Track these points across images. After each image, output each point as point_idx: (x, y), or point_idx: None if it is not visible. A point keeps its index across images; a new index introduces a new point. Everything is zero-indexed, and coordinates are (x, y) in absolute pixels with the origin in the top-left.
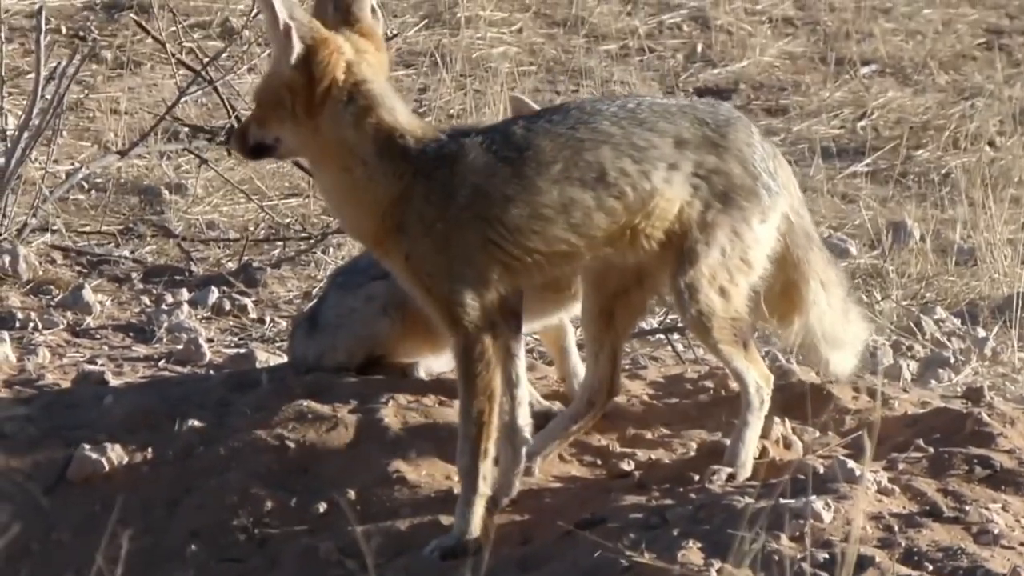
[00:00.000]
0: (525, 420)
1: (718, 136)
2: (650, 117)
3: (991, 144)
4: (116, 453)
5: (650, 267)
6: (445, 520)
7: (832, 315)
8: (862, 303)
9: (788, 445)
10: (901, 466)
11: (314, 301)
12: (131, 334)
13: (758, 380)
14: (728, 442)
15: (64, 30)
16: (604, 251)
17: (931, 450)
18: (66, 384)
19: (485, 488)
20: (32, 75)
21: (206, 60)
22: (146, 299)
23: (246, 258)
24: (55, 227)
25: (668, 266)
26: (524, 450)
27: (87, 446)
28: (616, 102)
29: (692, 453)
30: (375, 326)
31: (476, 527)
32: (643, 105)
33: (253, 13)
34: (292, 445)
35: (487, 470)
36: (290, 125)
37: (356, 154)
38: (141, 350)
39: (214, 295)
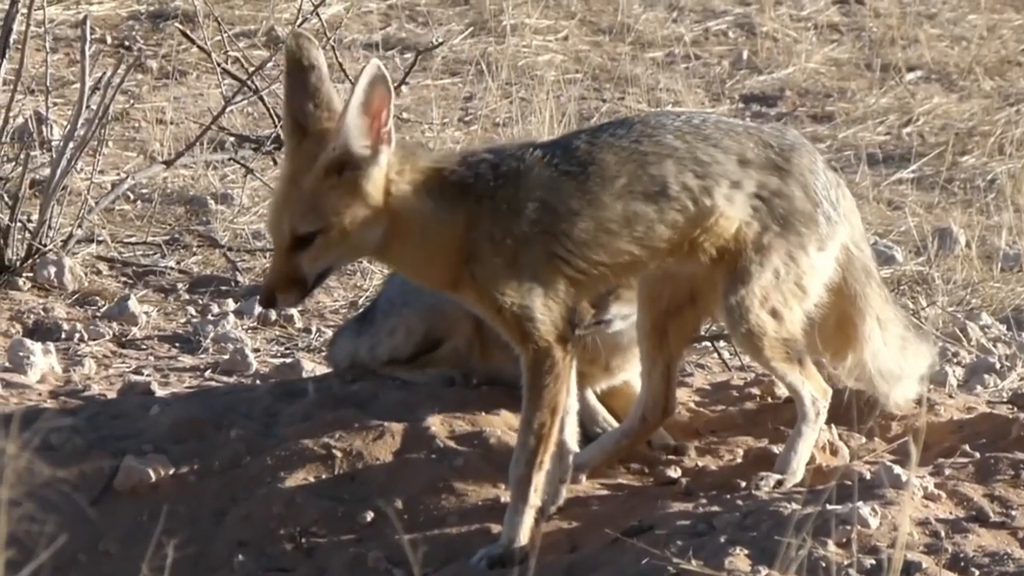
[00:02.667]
0: (572, 430)
1: (782, 159)
2: (714, 134)
3: None
4: (162, 463)
5: (703, 285)
6: (493, 528)
7: (887, 352)
8: (923, 336)
9: (835, 451)
10: (947, 471)
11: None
12: (177, 344)
13: (814, 393)
14: (777, 449)
15: (109, 40)
16: (666, 261)
17: (977, 455)
18: (112, 395)
19: (536, 499)
20: (77, 85)
21: (251, 69)
22: (192, 309)
23: None
24: (101, 238)
25: (720, 284)
26: (571, 459)
27: (133, 456)
28: (680, 117)
29: (739, 460)
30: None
31: (524, 536)
32: (708, 122)
33: (299, 21)
34: (339, 454)
35: (540, 482)
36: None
37: (418, 213)
38: (187, 360)
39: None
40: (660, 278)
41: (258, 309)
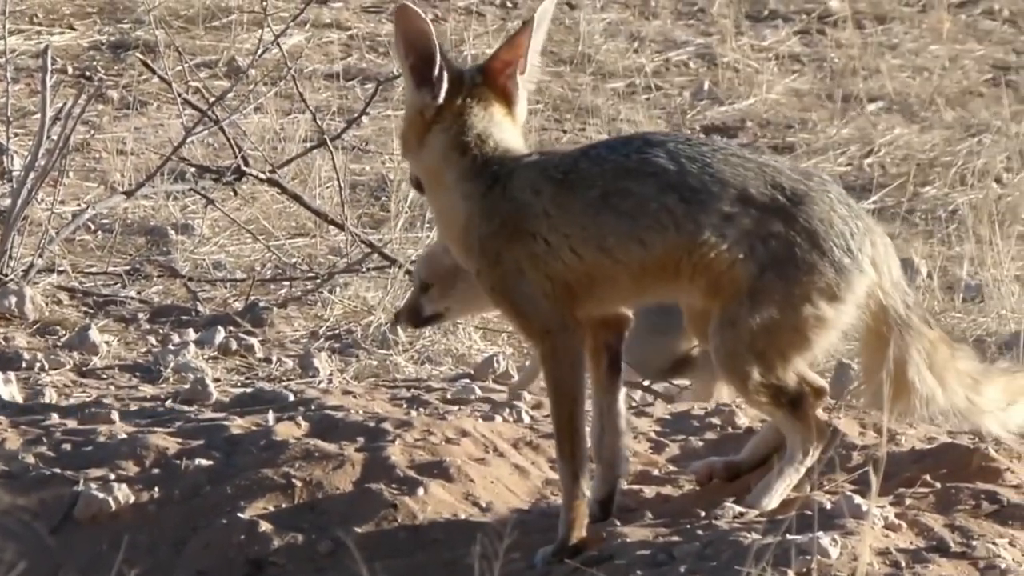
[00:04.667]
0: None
1: (790, 205)
2: (716, 162)
3: (998, 181)
4: (123, 492)
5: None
6: (453, 558)
7: (947, 395)
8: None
9: None
10: (908, 501)
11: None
12: (138, 374)
13: (805, 437)
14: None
15: (70, 70)
16: (646, 282)
17: (938, 485)
18: (73, 424)
19: (578, 490)
20: (38, 115)
21: (212, 100)
22: (153, 339)
23: (252, 298)
24: (61, 268)
25: (712, 320)
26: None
27: (94, 485)
28: (688, 140)
29: (699, 489)
30: None
31: (577, 530)
32: (717, 149)
33: (259, 52)
34: (299, 484)
35: (577, 471)
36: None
37: (438, 174)
38: (148, 390)
39: (221, 335)
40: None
41: (218, 339)
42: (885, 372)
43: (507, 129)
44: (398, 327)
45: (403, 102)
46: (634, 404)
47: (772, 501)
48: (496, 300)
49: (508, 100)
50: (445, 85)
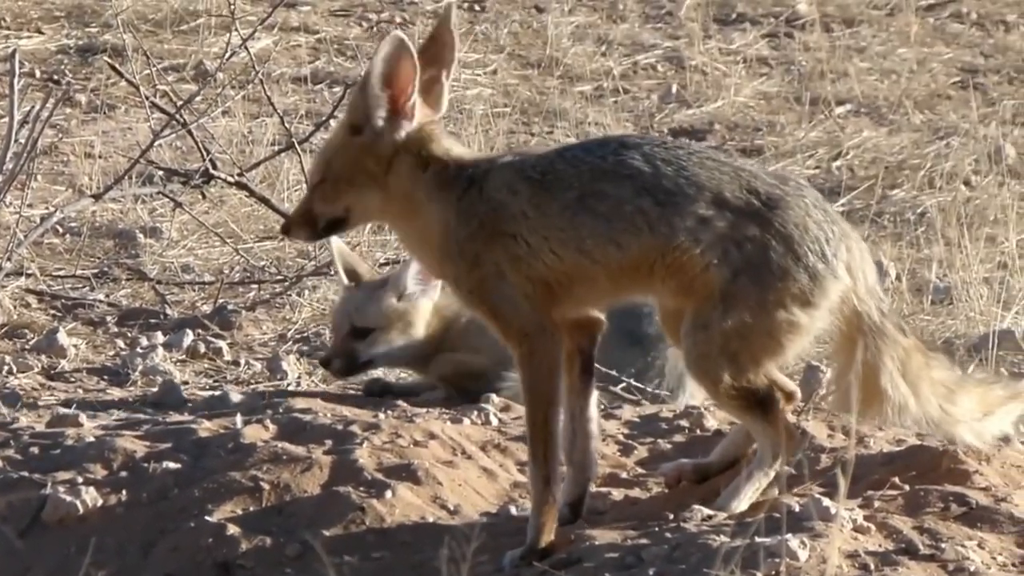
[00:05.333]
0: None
1: (766, 209)
2: (691, 165)
3: (966, 183)
4: (91, 495)
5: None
6: (421, 560)
7: (920, 404)
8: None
9: None
10: (877, 504)
11: None
12: (106, 377)
13: (774, 441)
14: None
15: (38, 74)
16: (623, 282)
17: (907, 488)
18: (41, 427)
19: (548, 495)
20: (6, 119)
21: (180, 103)
22: (121, 342)
23: (221, 301)
24: (29, 271)
25: (684, 321)
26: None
27: (61, 488)
28: (663, 143)
29: (667, 492)
30: None
31: (545, 534)
32: (692, 152)
33: (227, 56)
34: (266, 487)
35: (549, 475)
36: (366, 189)
37: (410, 196)
38: (116, 393)
39: (189, 338)
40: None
41: (187, 341)
42: (853, 374)
43: (447, 135)
44: (332, 373)
45: (337, 145)
46: (602, 407)
47: (741, 504)
48: (475, 304)
49: (436, 109)
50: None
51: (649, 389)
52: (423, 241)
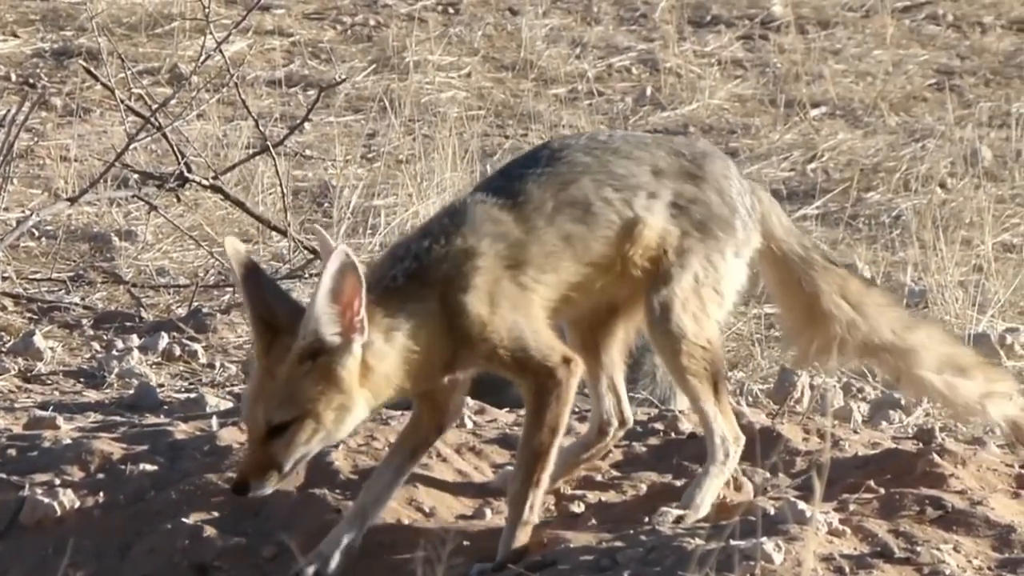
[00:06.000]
0: None
1: (695, 167)
2: (624, 147)
3: (942, 186)
4: (68, 497)
5: (621, 294)
6: (398, 562)
7: (870, 323)
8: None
9: (739, 487)
10: (852, 507)
11: None
12: (82, 380)
13: (725, 432)
14: (680, 484)
15: (13, 77)
16: (609, 280)
17: (882, 491)
18: (17, 429)
19: (531, 516)
20: None
21: (155, 106)
22: (97, 345)
23: (196, 304)
24: (6, 274)
25: (644, 287)
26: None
27: (39, 490)
28: (584, 136)
29: (642, 495)
30: None
31: (516, 554)
32: (615, 137)
33: (201, 59)
34: None
35: (536, 500)
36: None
37: (404, 347)
38: (92, 395)
39: (164, 341)
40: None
41: (162, 344)
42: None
43: (379, 305)
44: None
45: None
46: (577, 409)
47: (704, 501)
48: (493, 347)
49: None
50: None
51: (640, 395)
52: (427, 358)
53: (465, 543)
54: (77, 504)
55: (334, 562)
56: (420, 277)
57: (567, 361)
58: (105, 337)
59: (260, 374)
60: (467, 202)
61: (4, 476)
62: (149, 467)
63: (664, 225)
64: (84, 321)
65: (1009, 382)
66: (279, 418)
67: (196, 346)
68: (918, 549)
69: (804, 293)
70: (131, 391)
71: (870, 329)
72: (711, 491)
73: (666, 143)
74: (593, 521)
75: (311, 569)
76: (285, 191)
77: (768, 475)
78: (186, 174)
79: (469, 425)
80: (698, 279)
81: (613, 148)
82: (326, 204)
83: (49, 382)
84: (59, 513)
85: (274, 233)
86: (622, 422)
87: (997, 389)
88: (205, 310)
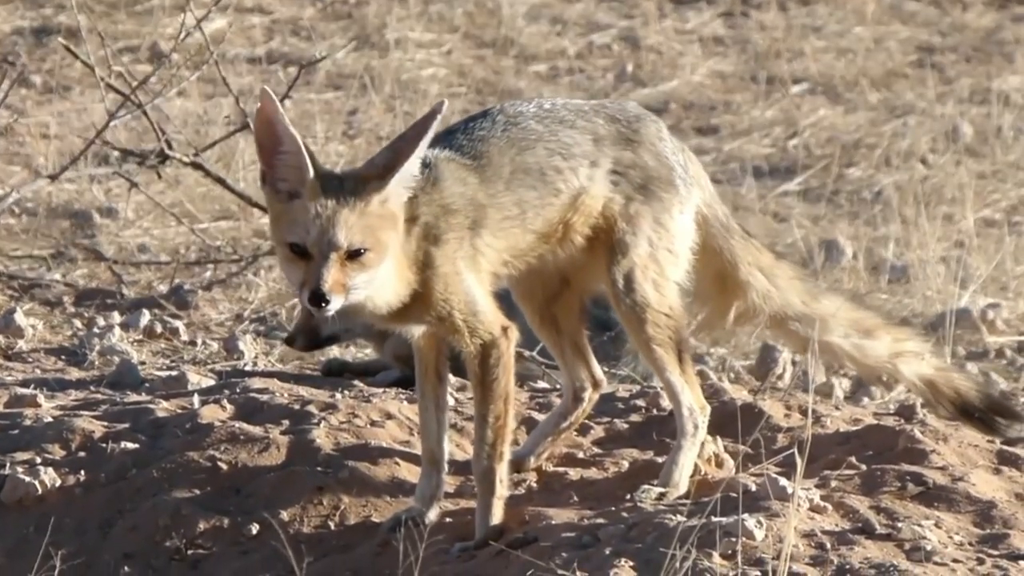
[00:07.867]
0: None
1: (630, 131)
2: (568, 116)
3: (923, 162)
4: (49, 476)
5: (577, 266)
6: (375, 538)
7: (782, 294)
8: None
9: (720, 463)
10: (833, 483)
11: None
12: (63, 357)
13: (692, 404)
14: (662, 461)
15: None
16: (544, 248)
17: (863, 467)
18: None
19: (502, 489)
20: None
21: (135, 84)
22: (78, 322)
23: (177, 281)
24: None
25: (600, 261)
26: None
27: (20, 469)
28: (534, 103)
29: (624, 472)
30: None
31: (493, 531)
32: (559, 105)
33: (181, 36)
34: (224, 467)
35: (503, 472)
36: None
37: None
38: (74, 373)
39: (146, 318)
40: (527, 275)
41: (144, 322)
42: (810, 353)
43: None
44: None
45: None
46: (558, 387)
47: (681, 476)
48: (450, 305)
49: None
50: None
51: (622, 372)
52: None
53: (447, 520)
54: (59, 482)
55: (433, 512)
56: (412, 209)
57: (505, 329)
58: (86, 314)
59: (335, 205)
60: (439, 157)
61: None
62: (131, 445)
63: (606, 193)
64: (65, 298)
65: (917, 341)
66: (359, 244)
67: (178, 323)
68: (899, 525)
69: (724, 261)
70: (112, 368)
71: (783, 300)
72: (687, 465)
73: (602, 110)
74: (575, 498)
75: (408, 519)
76: None
77: (750, 452)
78: (167, 151)
79: (450, 402)
80: (652, 243)
81: (559, 118)
82: None
83: (30, 360)
84: (40, 492)
85: (255, 210)
86: (595, 384)
87: (907, 348)
88: (186, 287)
